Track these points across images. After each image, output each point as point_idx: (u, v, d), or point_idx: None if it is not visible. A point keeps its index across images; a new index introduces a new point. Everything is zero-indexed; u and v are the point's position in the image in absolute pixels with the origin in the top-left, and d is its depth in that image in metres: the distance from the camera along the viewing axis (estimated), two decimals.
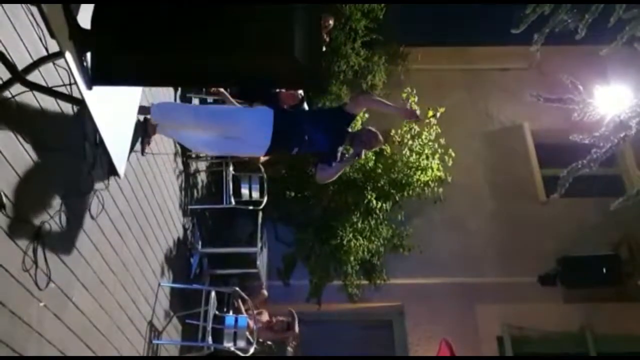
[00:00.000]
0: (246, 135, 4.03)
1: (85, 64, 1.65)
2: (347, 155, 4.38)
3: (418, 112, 4.51)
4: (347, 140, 4.23)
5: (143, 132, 4.19)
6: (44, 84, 2.53)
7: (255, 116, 4.11)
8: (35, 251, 2.64)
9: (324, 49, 6.30)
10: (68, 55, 1.59)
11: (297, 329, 6.31)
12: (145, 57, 1.57)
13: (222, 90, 5.82)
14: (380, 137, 4.31)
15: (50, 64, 2.61)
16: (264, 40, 1.52)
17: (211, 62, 1.56)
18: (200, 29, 1.50)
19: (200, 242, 6.09)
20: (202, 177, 6.45)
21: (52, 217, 2.81)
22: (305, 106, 6.78)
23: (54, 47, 2.00)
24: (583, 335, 7.84)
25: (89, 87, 1.67)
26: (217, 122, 4.08)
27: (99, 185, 3.38)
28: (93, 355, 3.33)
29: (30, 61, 2.25)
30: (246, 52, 1.53)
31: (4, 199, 2.39)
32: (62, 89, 2.62)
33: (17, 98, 2.39)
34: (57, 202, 2.87)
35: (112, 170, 2.16)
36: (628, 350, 7.90)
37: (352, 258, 6.97)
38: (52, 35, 1.56)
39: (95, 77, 1.63)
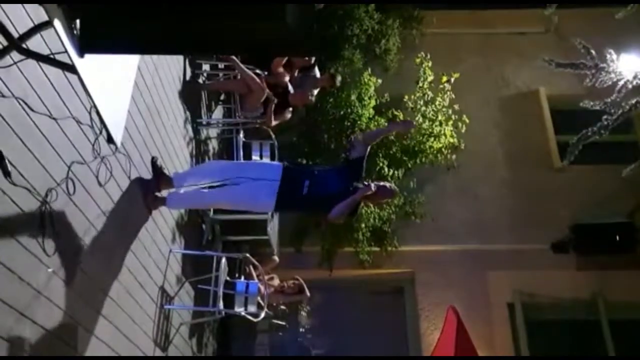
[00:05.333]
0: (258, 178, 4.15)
1: (75, 31, 1.62)
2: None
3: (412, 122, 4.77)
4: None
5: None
6: (46, 51, 2.51)
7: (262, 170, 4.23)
8: (42, 218, 2.66)
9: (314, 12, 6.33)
10: (57, 23, 1.56)
11: (307, 292, 6.39)
12: (136, 24, 1.54)
13: (232, 56, 5.78)
14: (394, 193, 4.45)
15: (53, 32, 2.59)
16: (257, 7, 1.48)
17: (201, 29, 1.53)
18: None
19: (211, 209, 6.12)
20: (213, 144, 6.46)
21: (59, 185, 2.83)
22: (316, 71, 6.74)
23: None
24: (595, 302, 7.82)
25: (81, 55, 1.65)
26: (229, 199, 4.29)
27: (106, 153, 3.39)
28: (104, 318, 3.39)
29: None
30: (239, 18, 1.50)
31: (10, 166, 2.40)
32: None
33: (19, 65, 2.38)
34: (64, 169, 2.88)
35: (110, 138, 2.15)
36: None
37: (363, 225, 6.98)
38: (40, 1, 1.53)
39: (85, 45, 1.61)
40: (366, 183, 4.16)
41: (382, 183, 4.31)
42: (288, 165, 4.22)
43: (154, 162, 4.28)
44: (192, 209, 5.48)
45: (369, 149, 4.28)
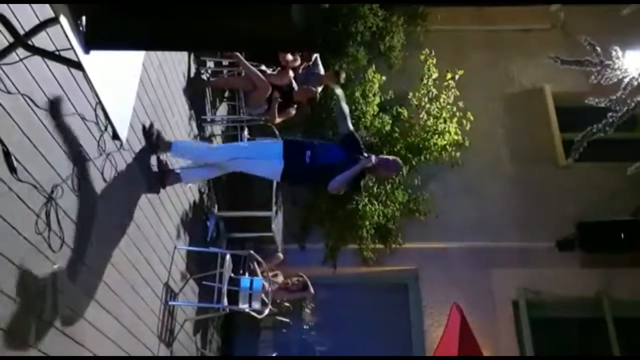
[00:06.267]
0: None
1: (81, 28, 1.63)
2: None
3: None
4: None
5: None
6: (52, 47, 2.52)
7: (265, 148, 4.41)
8: (48, 214, 2.67)
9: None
10: (63, 20, 1.57)
11: (312, 289, 6.40)
12: (141, 21, 1.54)
13: (236, 53, 5.78)
14: (398, 167, 4.51)
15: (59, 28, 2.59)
16: (264, 6, 1.49)
17: (207, 27, 1.54)
18: None
19: (216, 206, 6.13)
20: (217, 141, 6.46)
21: (65, 181, 2.84)
22: (321, 68, 6.74)
23: None
24: (599, 300, 7.79)
25: (86, 52, 1.66)
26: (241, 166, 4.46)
27: (111, 149, 3.39)
28: (109, 314, 3.40)
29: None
30: (246, 17, 1.50)
31: (15, 162, 2.40)
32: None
33: (25, 62, 2.38)
34: (69, 165, 2.89)
35: (115, 135, 2.16)
36: None
37: (367, 222, 6.98)
38: None
39: (91, 42, 1.62)
40: (366, 155, 4.20)
41: (385, 156, 4.40)
42: (287, 139, 4.37)
43: (157, 159, 4.29)
44: (198, 205, 5.50)
45: (349, 122, 4.40)
